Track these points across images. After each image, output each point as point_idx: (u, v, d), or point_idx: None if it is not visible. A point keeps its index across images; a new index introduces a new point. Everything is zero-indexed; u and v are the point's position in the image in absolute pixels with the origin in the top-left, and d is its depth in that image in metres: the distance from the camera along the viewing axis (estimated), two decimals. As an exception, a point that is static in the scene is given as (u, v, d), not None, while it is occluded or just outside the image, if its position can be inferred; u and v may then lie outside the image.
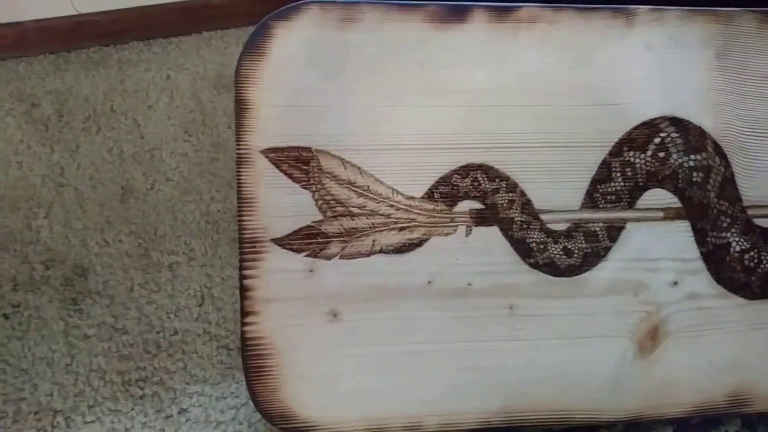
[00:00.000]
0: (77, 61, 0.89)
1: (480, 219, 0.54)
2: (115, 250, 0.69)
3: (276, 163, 0.51)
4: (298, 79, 0.51)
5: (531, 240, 0.55)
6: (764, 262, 0.57)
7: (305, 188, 0.52)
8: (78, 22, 0.90)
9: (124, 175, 0.76)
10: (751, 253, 0.57)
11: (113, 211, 0.73)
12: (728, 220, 0.57)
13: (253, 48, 0.51)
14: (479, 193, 0.54)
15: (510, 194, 0.54)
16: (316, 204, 0.52)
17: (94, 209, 0.73)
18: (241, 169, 0.51)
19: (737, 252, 0.57)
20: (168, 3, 0.94)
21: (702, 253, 0.56)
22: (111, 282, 0.67)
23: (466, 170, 0.54)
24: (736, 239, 0.57)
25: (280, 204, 0.51)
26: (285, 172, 0.51)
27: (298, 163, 0.52)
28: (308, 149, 0.52)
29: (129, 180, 0.76)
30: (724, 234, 0.57)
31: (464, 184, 0.54)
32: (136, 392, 0.59)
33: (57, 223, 0.71)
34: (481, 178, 0.54)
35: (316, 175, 0.52)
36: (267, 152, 0.51)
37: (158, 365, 0.61)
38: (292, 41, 0.51)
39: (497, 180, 0.54)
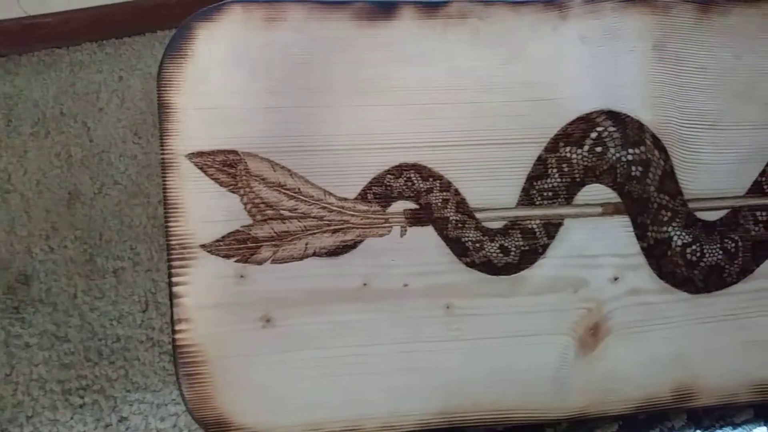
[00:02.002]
0: (28, 64, 0.88)
1: (414, 219, 0.53)
2: (60, 257, 0.68)
3: (202, 168, 0.50)
4: (222, 81, 0.50)
5: (466, 239, 0.54)
6: (707, 255, 0.57)
7: (233, 192, 0.51)
8: (27, 24, 0.89)
9: (71, 180, 0.75)
10: (693, 247, 0.57)
11: (59, 216, 0.72)
12: (669, 214, 0.56)
13: (175, 50, 0.50)
14: (413, 193, 0.53)
15: (444, 193, 0.53)
16: (245, 208, 0.51)
17: (39, 215, 0.72)
18: (167, 175, 0.50)
19: (679, 246, 0.56)
20: (120, 2, 0.93)
21: (643, 248, 0.56)
22: (54, 289, 0.66)
23: (399, 170, 0.52)
24: (678, 233, 0.56)
25: (208, 209, 0.50)
26: (212, 177, 0.50)
27: (225, 166, 0.51)
28: (235, 152, 0.51)
29: (76, 185, 0.75)
30: (665, 228, 0.56)
31: (398, 184, 0.53)
32: (75, 401, 0.58)
33: (1, 230, 0.71)
34: (414, 178, 0.53)
35: (244, 178, 0.51)
36: (192, 157, 0.50)
37: (99, 373, 0.60)
38: (215, 42, 0.50)
39: (431, 179, 0.53)
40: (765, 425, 0.60)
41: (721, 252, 0.57)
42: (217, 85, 0.50)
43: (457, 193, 0.54)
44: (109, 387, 0.59)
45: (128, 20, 0.93)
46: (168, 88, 0.50)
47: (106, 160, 0.77)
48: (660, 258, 0.56)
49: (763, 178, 0.56)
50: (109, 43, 0.91)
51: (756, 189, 0.57)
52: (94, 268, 0.68)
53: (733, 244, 0.57)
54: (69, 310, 0.64)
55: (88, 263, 0.68)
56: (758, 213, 0.57)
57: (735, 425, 0.60)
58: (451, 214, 0.54)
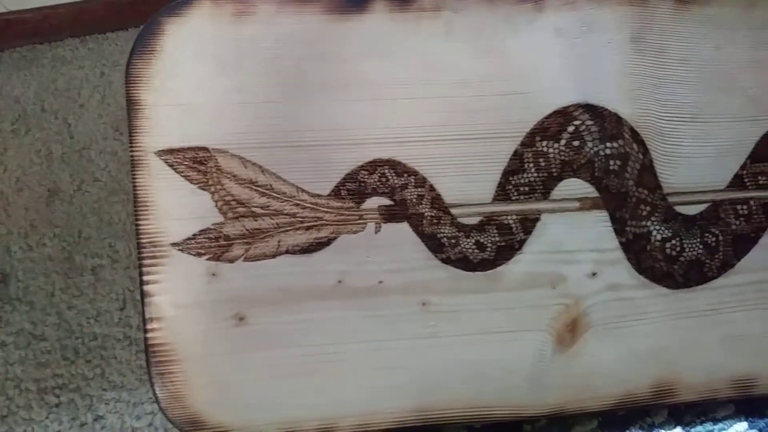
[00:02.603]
0: (9, 60, 0.87)
1: (389, 215, 0.53)
2: (38, 255, 0.68)
3: (172, 165, 0.50)
4: (191, 77, 0.49)
5: (442, 235, 0.53)
6: (687, 250, 0.56)
7: (204, 189, 0.50)
8: (8, 20, 0.88)
9: (51, 177, 0.74)
10: (673, 242, 0.56)
11: (38, 214, 0.71)
12: (648, 208, 0.55)
13: (144, 46, 0.49)
14: (387, 189, 0.52)
15: (419, 189, 0.53)
16: (216, 205, 0.50)
17: (18, 213, 0.71)
18: (136, 172, 0.49)
19: (658, 241, 0.56)
20: (103, -3, 0.92)
21: (621, 243, 0.55)
22: (32, 288, 0.65)
23: (373, 166, 0.52)
24: (657, 228, 0.56)
25: (179, 207, 0.50)
26: (182, 174, 0.50)
27: (195, 163, 0.50)
28: (205, 149, 0.50)
29: (56, 181, 0.74)
30: (644, 223, 0.55)
31: (372, 181, 0.52)
32: (51, 400, 0.58)
33: (-20, 228, 0.71)
34: (388, 174, 0.52)
35: (215, 175, 0.50)
36: (162, 154, 0.50)
37: (75, 372, 0.60)
38: (184, 38, 0.49)
39: (405, 175, 0.52)
40: (746, 420, 0.59)
41: (701, 246, 0.56)
42: (187, 81, 0.49)
43: (432, 188, 0.53)
44: (85, 386, 0.59)
45: (111, 15, 0.92)
46: (136, 85, 0.49)
47: (87, 157, 0.76)
48: (639, 253, 0.55)
49: (744, 172, 0.56)
50: (92, 38, 0.90)
51: (737, 182, 0.56)
52: (72, 266, 0.67)
53: (714, 239, 0.56)
54: (46, 308, 0.64)
55: (67, 261, 0.68)
56: (739, 207, 0.56)
57: (716, 420, 0.59)
58: (426, 210, 0.53)
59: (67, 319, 0.63)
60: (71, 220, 0.71)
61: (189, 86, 0.49)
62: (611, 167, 0.55)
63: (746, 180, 0.56)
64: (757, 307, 0.57)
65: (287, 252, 0.52)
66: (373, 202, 0.52)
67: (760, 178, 0.56)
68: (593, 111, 0.54)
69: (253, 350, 0.52)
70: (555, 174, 0.54)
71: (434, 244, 0.53)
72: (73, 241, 0.69)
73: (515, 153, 0.53)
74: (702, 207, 0.56)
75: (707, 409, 0.60)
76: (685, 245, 0.57)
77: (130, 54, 0.49)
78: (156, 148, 0.49)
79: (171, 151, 0.50)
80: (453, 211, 0.53)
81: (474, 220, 0.54)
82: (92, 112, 0.82)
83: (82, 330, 0.62)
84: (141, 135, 0.49)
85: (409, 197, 0.53)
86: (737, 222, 0.57)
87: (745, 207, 0.57)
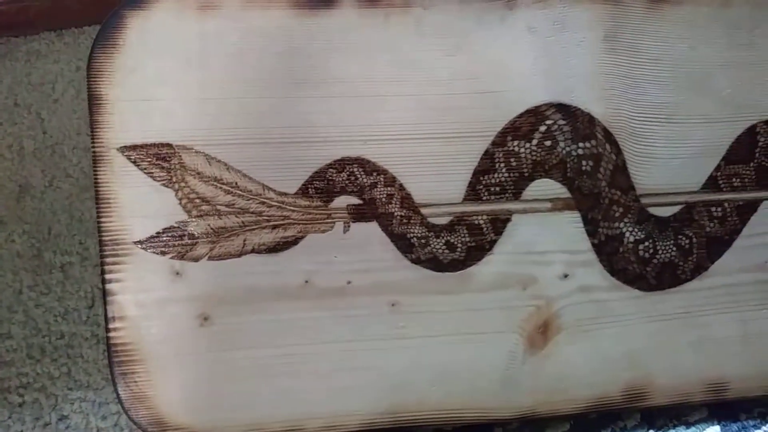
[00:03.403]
0: (-16, 53, 0.87)
1: (358, 215, 0.52)
2: (7, 251, 0.67)
3: (135, 161, 0.49)
4: (155, 72, 0.48)
5: (412, 235, 0.53)
6: (660, 252, 0.56)
7: (167, 187, 0.49)
8: (-18, 12, 0.88)
9: (22, 173, 0.73)
10: (646, 244, 0.56)
11: (8, 210, 0.70)
12: (621, 209, 0.55)
13: (106, 40, 0.48)
14: (356, 188, 0.52)
15: (388, 188, 0.52)
16: (180, 203, 0.49)
17: (-12, 209, 0.71)
18: (98, 168, 0.48)
19: (631, 243, 0.55)
20: (80, -9, 0.91)
21: (593, 245, 0.54)
22: (-1, 285, 0.65)
23: (341, 164, 0.51)
24: (630, 229, 0.55)
25: (142, 204, 0.49)
26: (145, 171, 0.49)
27: (158, 160, 0.49)
28: (169, 145, 0.49)
29: (27, 177, 0.73)
30: (616, 224, 0.55)
31: (340, 179, 0.51)
32: (15, 400, 0.57)
33: (-52, 224, 0.69)
34: (357, 172, 0.52)
35: (179, 172, 0.49)
36: (124, 150, 0.49)
37: (41, 371, 0.59)
38: (147, 31, 0.48)
39: (375, 174, 0.52)
40: (719, 424, 0.59)
41: (674, 248, 0.56)
42: (150, 76, 0.48)
43: (402, 188, 0.52)
44: (50, 385, 0.58)
45: (88, 9, 0.90)
46: (98, 79, 0.48)
47: (59, 153, 0.75)
48: (611, 254, 0.55)
49: (719, 173, 0.55)
50: (68, 32, 0.88)
51: (711, 184, 0.55)
52: (41, 263, 0.66)
53: (687, 241, 0.56)
54: (13, 306, 0.63)
55: (36, 258, 0.66)
56: (713, 209, 0.56)
57: (689, 424, 0.59)
58: (396, 209, 0.52)
59: (34, 317, 0.62)
60: (41, 216, 0.70)
61: (152, 81, 0.48)
62: (584, 168, 0.54)
63: (720, 182, 0.56)
64: (731, 311, 0.57)
65: (253, 251, 0.51)
66: (342, 201, 0.51)
67: (734, 180, 0.56)
68: (565, 111, 0.53)
69: (219, 351, 0.51)
70: (526, 174, 0.53)
71: (404, 244, 0.53)
72: (42, 238, 0.68)
73: (486, 152, 0.52)
74: (675, 209, 0.55)
75: (680, 412, 0.59)
76: (658, 247, 0.56)
77: (92, 48, 0.48)
78: (118, 145, 0.48)
79: (134, 148, 0.49)
80: (423, 210, 0.53)
81: (444, 220, 0.53)
82: (66, 107, 0.81)
83: (49, 328, 0.61)
84: (103, 131, 0.48)
85: (378, 196, 0.52)
86: (711, 224, 0.56)
87: (719, 209, 0.56)
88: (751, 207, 0.57)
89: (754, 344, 0.57)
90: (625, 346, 0.55)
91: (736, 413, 0.60)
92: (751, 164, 0.56)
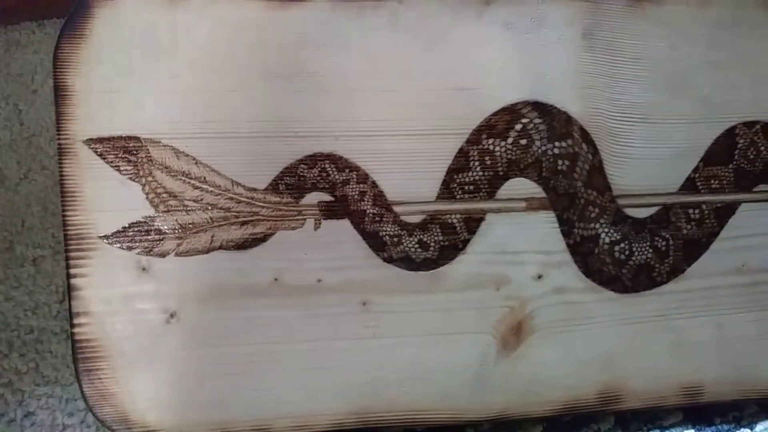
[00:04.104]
0: (-38, 42, 0.85)
1: (329, 212, 0.51)
2: (-22, 244, 0.66)
3: (101, 154, 0.48)
4: (123, 63, 0.47)
5: (384, 233, 0.52)
6: (636, 254, 0.55)
7: (134, 181, 0.48)
8: (-39, 1, 0.86)
9: (-3, 164, 0.73)
10: (622, 245, 0.55)
11: (-19, 202, 0.70)
12: (597, 210, 0.54)
13: (72, 30, 0.47)
14: (328, 185, 0.51)
15: (361, 185, 0.51)
16: (147, 198, 0.48)
17: (-40, 200, 0.70)
18: (63, 161, 0.47)
19: (607, 244, 0.54)
20: (62, -20, 0.90)
21: (568, 245, 0.53)
22: (-31, 278, 0.64)
23: (313, 160, 0.50)
24: (606, 230, 0.54)
25: (108, 198, 0.48)
26: (111, 164, 0.48)
27: (125, 153, 0.48)
28: (136, 138, 0.48)
29: (2, 169, 0.71)
30: (592, 225, 0.54)
31: (312, 175, 0.50)
32: (-20, 395, 0.56)
33: None
34: (329, 169, 0.51)
35: (146, 166, 0.48)
36: (91, 142, 0.47)
37: (8, 366, 0.58)
38: (115, 22, 0.47)
39: (347, 170, 0.51)
40: (693, 428, 0.58)
41: (650, 250, 0.55)
42: (117, 67, 0.47)
43: (374, 185, 0.51)
44: (17, 380, 0.57)
45: (70, -1, 0.90)
46: (65, 70, 0.47)
47: (36, 144, 0.73)
48: (587, 256, 0.54)
49: (697, 175, 0.54)
50: (50, 22, 0.87)
51: (689, 185, 0.55)
52: (12, 256, 0.65)
53: (664, 243, 0.55)
54: (-18, 299, 0.63)
55: (8, 251, 0.65)
56: (691, 211, 0.55)
57: (663, 428, 0.58)
58: (368, 207, 0.51)
59: (3, 311, 0.61)
60: (15, 208, 0.69)
61: (120, 73, 0.47)
62: (559, 167, 0.53)
63: (699, 183, 0.55)
64: (707, 314, 0.56)
65: (221, 247, 0.50)
66: (313, 198, 0.50)
67: (713, 181, 0.55)
68: (542, 109, 0.52)
69: (185, 348, 0.50)
70: (501, 173, 0.52)
71: (376, 243, 0.52)
72: (15, 230, 0.67)
73: (461, 150, 0.52)
74: (652, 210, 0.54)
75: (655, 416, 0.59)
76: (634, 249, 0.55)
77: (58, 38, 0.47)
78: (84, 137, 0.47)
79: (100, 140, 0.48)
80: (396, 208, 0.51)
81: (417, 219, 0.52)
82: (45, 99, 0.79)
83: (18, 323, 0.60)
84: (69, 123, 0.47)
85: (350, 193, 0.51)
86: (688, 226, 0.56)
87: (697, 211, 0.55)
88: (729, 209, 0.56)
89: (730, 348, 0.57)
90: (599, 348, 0.55)
91: (711, 417, 0.59)
92: (730, 166, 0.55)
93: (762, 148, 0.56)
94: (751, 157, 0.55)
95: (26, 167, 0.72)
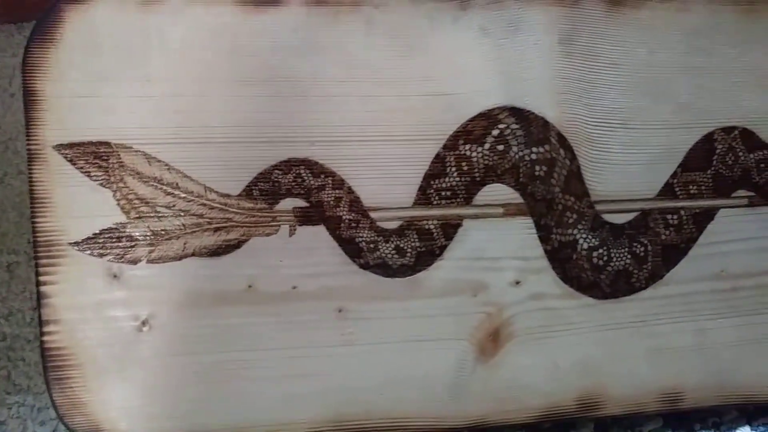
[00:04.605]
0: (-60, 45, 0.84)
1: (305, 218, 0.50)
2: (-48, 250, 0.65)
3: (71, 160, 0.47)
4: (94, 68, 0.46)
5: (360, 239, 0.51)
6: (614, 260, 0.55)
7: (105, 187, 0.47)
8: (-61, 3, 0.85)
9: (-28, 168, 0.72)
10: (600, 251, 0.55)
11: (-45, 207, 0.69)
12: (575, 215, 0.54)
13: (42, 34, 0.46)
14: (303, 190, 0.50)
15: (337, 191, 0.51)
16: (119, 204, 0.48)
17: (-65, 207, 0.69)
18: (33, 167, 0.46)
19: (585, 250, 0.54)
20: (43, -17, 0.89)
21: (546, 251, 0.53)
22: (-58, 285, 0.63)
23: (288, 165, 0.50)
24: (584, 236, 0.54)
25: (78, 204, 0.47)
26: (82, 170, 0.47)
27: (96, 159, 0.47)
28: (107, 144, 0.47)
29: (-22, 173, 0.72)
30: (570, 231, 0.54)
31: (286, 181, 0.50)
32: (-50, 404, 0.55)
33: None
34: (304, 174, 0.50)
35: (117, 172, 0.48)
36: (61, 148, 0.47)
37: (-20, 374, 0.58)
38: (86, 26, 0.46)
39: (323, 176, 0.50)
40: (672, 435, 0.59)
41: (629, 256, 0.55)
42: (88, 72, 0.46)
43: (350, 191, 0.51)
44: (-11, 389, 0.57)
45: (50, 2, 0.89)
46: (34, 75, 0.46)
47: (12, 149, 0.72)
48: (564, 261, 0.54)
49: (675, 180, 0.54)
50: (29, 25, 0.87)
51: (667, 191, 0.54)
52: (-14, 262, 0.65)
53: (642, 249, 0.55)
54: (-45, 306, 0.62)
55: (-19, 257, 0.65)
56: (669, 216, 0.55)
57: (643, 435, 0.59)
58: (344, 213, 0.51)
59: (-24, 318, 0.61)
60: (-10, 214, 0.69)
61: (91, 77, 0.46)
62: (537, 173, 0.53)
63: (677, 189, 0.55)
64: (686, 320, 0.56)
65: (194, 254, 0.49)
66: (288, 204, 0.50)
67: (691, 187, 0.55)
68: (519, 114, 0.52)
69: (158, 356, 0.49)
70: (478, 179, 0.52)
71: (352, 249, 0.51)
72: (-10, 236, 0.67)
73: (437, 156, 0.51)
74: (631, 216, 0.54)
75: (634, 422, 0.58)
76: (612, 255, 0.55)
77: (27, 42, 0.46)
78: (54, 142, 0.47)
79: (70, 146, 0.47)
80: (372, 214, 0.51)
81: (394, 225, 0.51)
82: (22, 103, 0.79)
83: (-9, 330, 0.60)
84: (39, 128, 0.46)
85: (326, 199, 0.51)
86: (667, 232, 0.55)
87: (675, 217, 0.55)
88: (708, 215, 0.56)
89: (709, 354, 0.56)
90: (578, 354, 0.54)
91: (691, 423, 0.59)
92: (709, 172, 0.55)
93: (740, 154, 0.56)
94: (730, 162, 0.56)
95: (2, 171, 0.71)
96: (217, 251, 0.50)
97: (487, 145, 0.52)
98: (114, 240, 0.48)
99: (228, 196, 0.49)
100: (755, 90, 0.55)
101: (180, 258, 0.49)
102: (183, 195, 0.49)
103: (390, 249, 0.52)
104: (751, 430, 0.59)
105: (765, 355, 0.57)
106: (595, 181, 0.53)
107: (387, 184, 0.51)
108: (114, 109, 0.47)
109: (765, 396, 0.58)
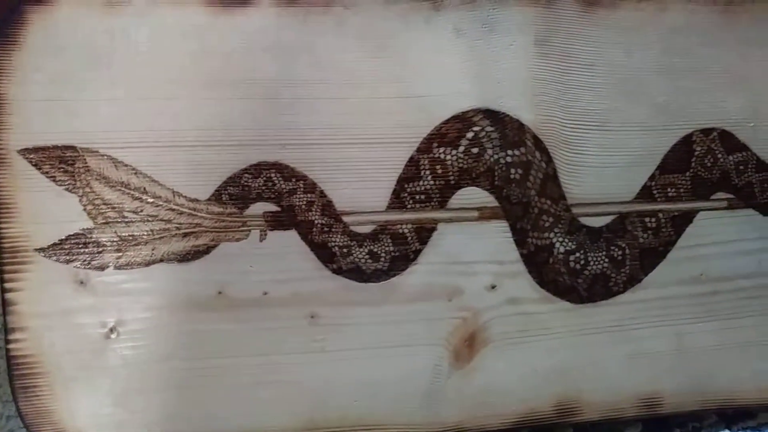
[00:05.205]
0: None
1: (276, 222, 0.50)
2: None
3: (36, 164, 0.46)
4: (59, 70, 0.45)
5: (333, 244, 0.51)
6: (591, 263, 0.54)
7: (71, 192, 0.46)
8: None
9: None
10: (577, 255, 0.54)
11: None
12: (551, 219, 0.53)
13: (5, 36, 0.45)
14: (274, 195, 0.49)
15: (308, 195, 0.50)
16: (85, 209, 0.47)
17: None
18: (-3, 172, 0.47)
19: (561, 253, 0.53)
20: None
21: (522, 255, 0.52)
22: None
23: (258, 169, 0.49)
24: (560, 240, 0.53)
25: (44, 210, 0.46)
26: (47, 174, 0.46)
27: (61, 163, 0.46)
28: (73, 148, 0.46)
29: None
30: (546, 234, 0.53)
31: (256, 185, 0.49)
32: None
33: None
34: (275, 178, 0.49)
35: (83, 176, 0.47)
36: (25, 152, 0.45)
37: (-52, 382, 0.57)
38: (50, 28, 0.45)
39: (294, 180, 0.49)
40: (652, 440, 0.58)
41: (606, 260, 0.54)
42: (53, 75, 0.45)
43: (322, 194, 0.50)
44: (-43, 397, 0.56)
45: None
46: (-3, 77, 0.46)
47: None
48: (541, 265, 0.53)
49: (653, 183, 0.54)
50: None
51: (645, 194, 0.54)
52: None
53: (620, 252, 0.54)
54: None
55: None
56: (647, 219, 0.54)
57: (622, 440, 0.58)
58: (316, 217, 0.50)
59: (-54, 324, 0.60)
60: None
61: (55, 80, 0.45)
62: (512, 176, 0.52)
63: (655, 192, 0.54)
64: (665, 324, 0.55)
65: (162, 260, 0.48)
66: (258, 208, 0.49)
67: (669, 189, 0.54)
68: (494, 117, 0.51)
69: (126, 363, 0.48)
70: (453, 182, 0.51)
71: (324, 254, 0.50)
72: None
73: (411, 159, 0.50)
74: (608, 219, 0.53)
75: (613, 427, 0.58)
76: (589, 258, 0.54)
77: (-10, 44, 0.46)
78: (19, 146, 0.45)
79: (35, 150, 0.46)
80: (345, 218, 0.50)
81: (367, 229, 0.50)
82: None
83: (-39, 336, 0.59)
84: (2, 132, 0.45)
85: (297, 203, 0.50)
86: (645, 235, 0.55)
87: (653, 220, 0.55)
88: (687, 218, 0.55)
89: (688, 358, 0.56)
90: (555, 359, 0.54)
91: (671, 428, 0.59)
92: (687, 174, 0.55)
93: (719, 156, 0.55)
94: (708, 164, 0.55)
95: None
96: (186, 257, 0.49)
97: (461, 148, 0.51)
98: (81, 246, 0.47)
99: (197, 200, 0.48)
100: (734, 91, 0.54)
101: (148, 264, 0.48)
102: (151, 200, 0.48)
103: (363, 254, 0.51)
104: (731, 434, 0.59)
105: (744, 359, 0.57)
106: (571, 183, 0.53)
107: (360, 188, 0.50)
108: (79, 113, 0.46)
109: (744, 400, 0.57)
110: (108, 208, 0.47)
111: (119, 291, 0.48)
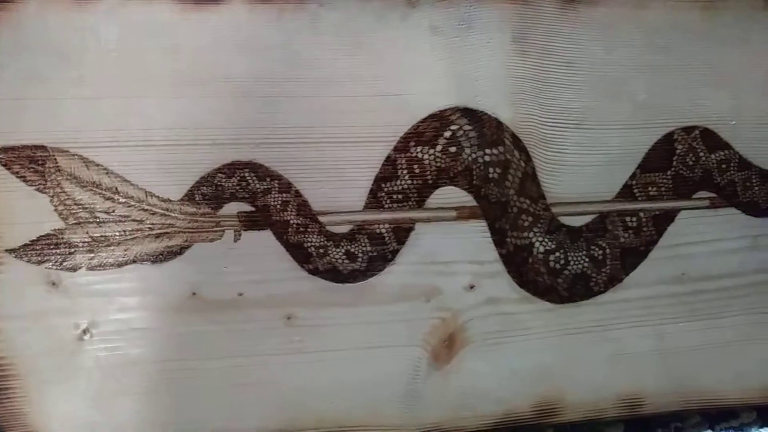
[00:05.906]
0: None
1: (250, 222, 0.49)
2: None
3: (6, 164, 0.45)
4: (27, 69, 0.44)
5: (309, 244, 0.50)
6: (571, 263, 0.54)
7: (42, 192, 0.46)
8: None
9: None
10: (557, 254, 0.53)
11: None
12: (530, 218, 0.52)
13: (-28, 34, 0.46)
14: (248, 194, 0.49)
15: (284, 195, 0.49)
16: (56, 209, 0.46)
17: None
18: (-35, 172, 0.46)
19: (541, 253, 0.53)
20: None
21: (501, 255, 0.52)
22: None
23: (231, 169, 0.48)
24: (540, 239, 0.53)
25: (14, 210, 0.45)
26: (17, 174, 0.45)
27: (31, 163, 0.45)
28: (43, 147, 0.45)
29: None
30: (525, 234, 0.53)
31: (230, 185, 0.48)
32: None
33: None
34: (249, 178, 0.49)
35: (54, 176, 0.46)
36: (-6, 152, 0.47)
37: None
38: (17, 25, 0.44)
39: (268, 179, 0.49)
40: (633, 441, 0.58)
41: (587, 259, 0.53)
42: (22, 74, 0.44)
43: (298, 194, 0.49)
44: (-68, 399, 0.55)
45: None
46: (-36, 76, 0.46)
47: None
48: (520, 265, 0.52)
49: (634, 182, 0.53)
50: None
51: (625, 193, 0.53)
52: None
53: (601, 252, 0.54)
54: None
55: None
56: (628, 218, 0.54)
57: (603, 440, 0.58)
58: (292, 217, 0.50)
59: None
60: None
61: (24, 79, 0.44)
62: (491, 175, 0.51)
63: (636, 190, 0.53)
64: (646, 324, 0.55)
65: (135, 261, 0.47)
66: (232, 208, 0.48)
67: (650, 188, 0.54)
68: (472, 115, 0.50)
69: (100, 365, 0.48)
70: (430, 181, 0.50)
71: (300, 254, 0.50)
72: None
73: (388, 158, 0.50)
74: (588, 218, 0.53)
75: (594, 428, 0.57)
76: (569, 258, 0.54)
77: (-43, 42, 0.45)
78: (-13, 146, 0.46)
79: (4, 150, 0.45)
80: (321, 218, 0.50)
81: (344, 229, 0.50)
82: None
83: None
84: (-30, 131, 0.46)
85: (272, 203, 0.49)
86: (626, 234, 0.54)
87: (634, 219, 0.54)
88: (668, 217, 0.55)
89: (670, 358, 0.55)
90: (535, 360, 0.53)
91: (653, 428, 0.58)
92: (669, 172, 0.54)
93: (701, 154, 0.54)
94: (690, 163, 0.54)
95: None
96: (159, 258, 0.48)
97: (439, 147, 0.50)
98: (52, 246, 0.46)
99: (169, 200, 0.48)
100: (715, 88, 0.53)
101: (121, 265, 0.47)
102: (123, 200, 0.47)
103: (340, 254, 0.51)
104: (714, 434, 0.59)
105: (726, 359, 0.56)
106: (551, 182, 0.52)
107: (336, 188, 0.49)
108: (49, 112, 0.45)
109: (727, 400, 0.57)
110: (79, 208, 0.47)
111: (92, 292, 0.47)
